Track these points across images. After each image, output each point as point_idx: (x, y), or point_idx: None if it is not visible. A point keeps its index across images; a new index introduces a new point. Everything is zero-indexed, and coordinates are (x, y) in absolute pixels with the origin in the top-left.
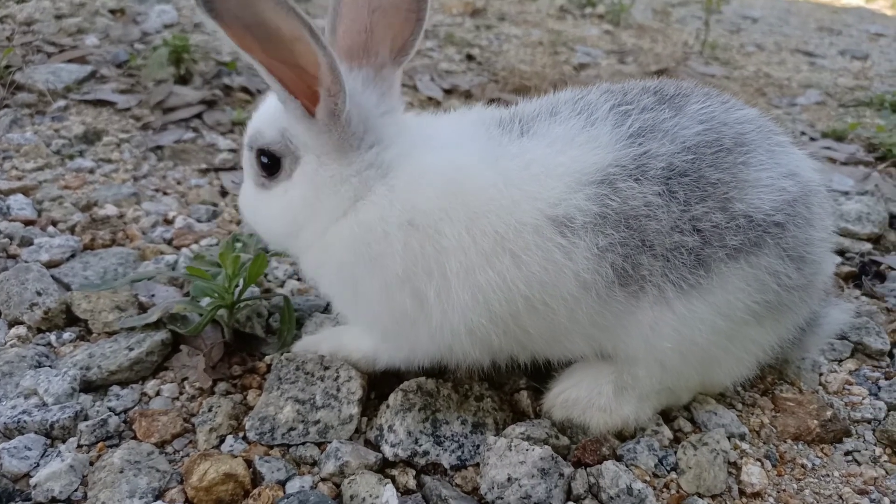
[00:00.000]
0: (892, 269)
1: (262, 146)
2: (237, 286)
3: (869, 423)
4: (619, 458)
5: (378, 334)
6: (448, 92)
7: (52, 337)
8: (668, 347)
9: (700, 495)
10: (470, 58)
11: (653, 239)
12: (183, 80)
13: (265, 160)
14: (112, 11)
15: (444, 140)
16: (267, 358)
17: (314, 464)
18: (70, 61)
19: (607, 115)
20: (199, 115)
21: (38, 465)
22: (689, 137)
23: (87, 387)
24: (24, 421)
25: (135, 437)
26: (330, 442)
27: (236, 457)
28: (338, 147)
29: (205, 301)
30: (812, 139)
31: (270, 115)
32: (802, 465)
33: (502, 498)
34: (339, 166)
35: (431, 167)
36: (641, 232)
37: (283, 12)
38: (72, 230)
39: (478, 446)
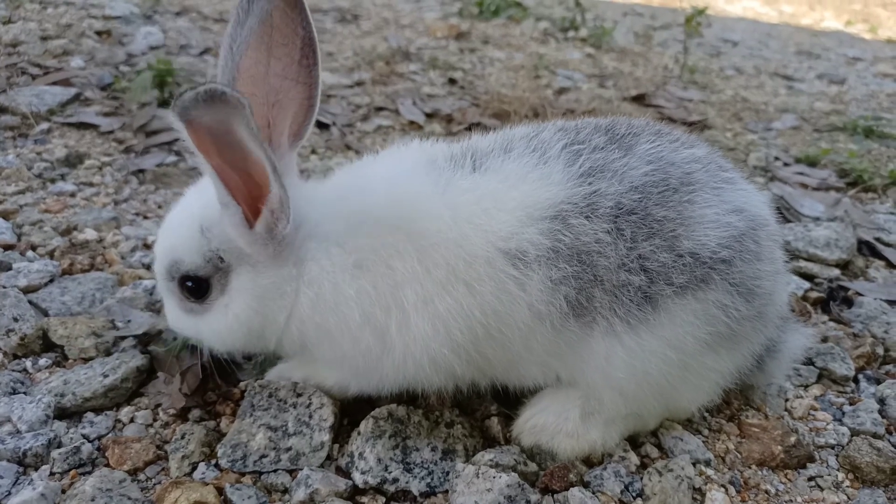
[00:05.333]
0: (860, 294)
1: (185, 273)
2: None
3: (832, 448)
4: (586, 485)
5: (347, 372)
6: (430, 116)
7: (28, 363)
8: (622, 377)
9: None
10: (452, 81)
11: (603, 275)
12: (167, 103)
13: (190, 284)
14: (98, 33)
15: (376, 179)
16: (242, 384)
17: (285, 491)
18: (54, 84)
19: (559, 154)
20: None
21: (9, 493)
22: (636, 178)
23: (62, 413)
24: None
25: (107, 465)
26: (301, 469)
27: (207, 484)
28: (274, 256)
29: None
30: (786, 164)
31: (188, 241)
32: (766, 491)
33: None
34: (277, 268)
35: (368, 206)
36: (593, 267)
37: (251, 146)
38: (51, 255)
39: (447, 473)
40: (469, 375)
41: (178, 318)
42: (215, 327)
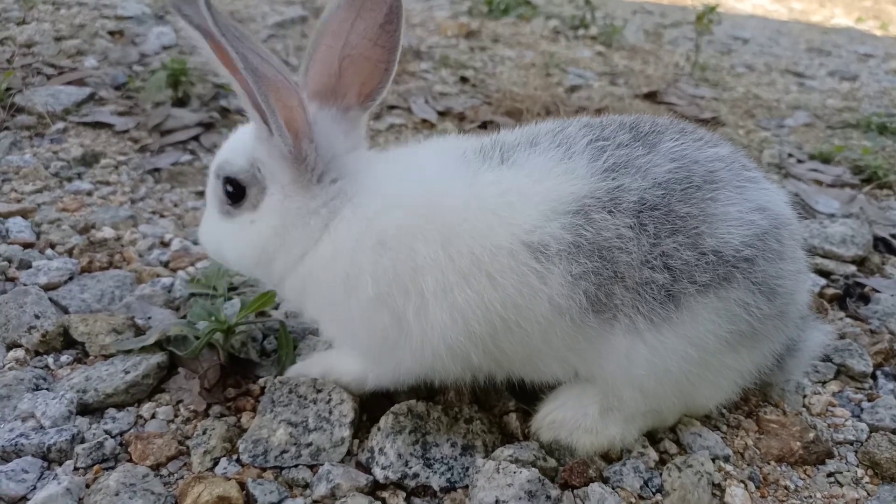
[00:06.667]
0: (876, 291)
1: (229, 174)
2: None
3: (851, 444)
4: (605, 480)
5: (362, 354)
6: (442, 114)
7: (50, 360)
8: (643, 375)
9: None
10: (464, 80)
11: (624, 271)
12: (181, 102)
13: (230, 188)
14: (111, 33)
15: (414, 166)
16: (261, 381)
17: (306, 486)
18: (69, 83)
19: (584, 150)
20: (196, 138)
21: (34, 487)
22: (660, 174)
23: (84, 409)
24: (22, 444)
25: (130, 460)
26: (322, 464)
27: (230, 479)
28: (298, 180)
29: (202, 324)
30: (799, 161)
31: (239, 146)
32: (785, 487)
33: None
34: (304, 199)
35: (401, 190)
36: (614, 263)
37: (222, 42)
38: (70, 253)
39: (467, 468)
40: (486, 366)
41: (210, 225)
42: (238, 238)
